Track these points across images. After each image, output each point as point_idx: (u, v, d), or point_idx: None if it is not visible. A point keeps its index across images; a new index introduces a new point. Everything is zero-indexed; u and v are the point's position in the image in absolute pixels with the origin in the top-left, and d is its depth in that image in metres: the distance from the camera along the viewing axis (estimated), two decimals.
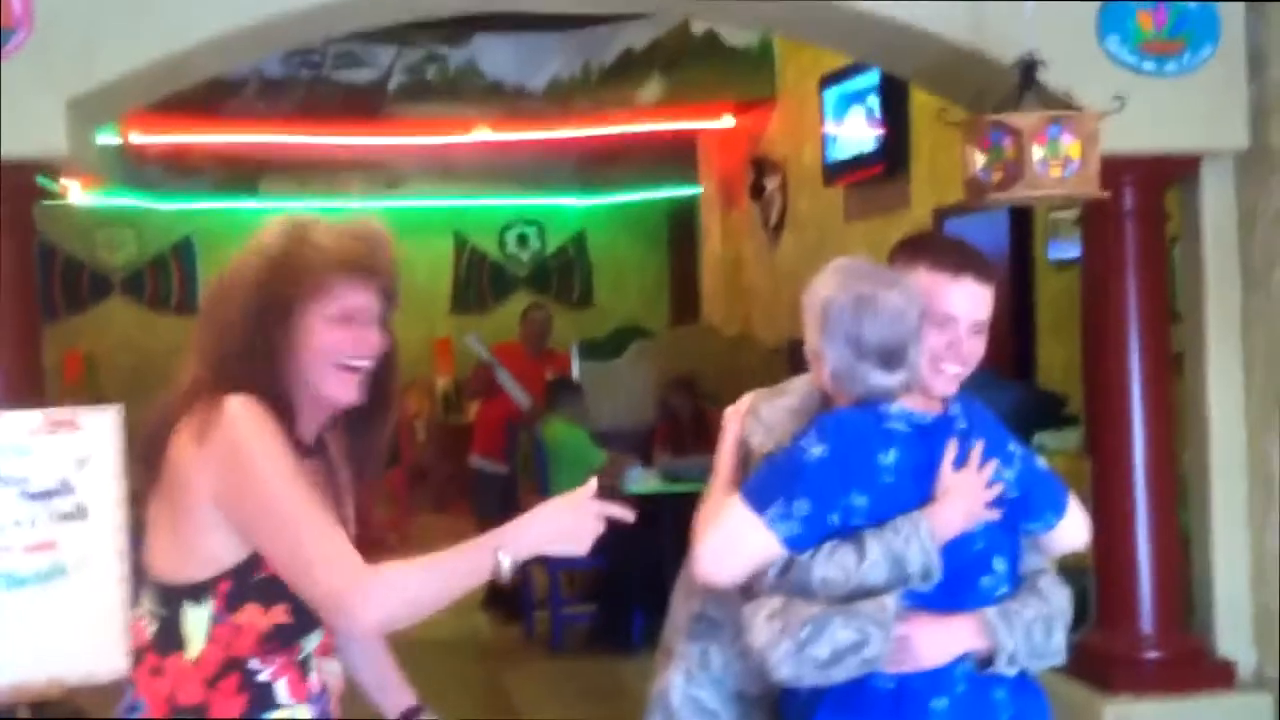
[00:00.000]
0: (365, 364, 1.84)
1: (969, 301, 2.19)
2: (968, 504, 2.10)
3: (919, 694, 2.10)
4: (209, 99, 7.95)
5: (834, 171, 6.83)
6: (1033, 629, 2.15)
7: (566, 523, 1.77)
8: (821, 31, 4.10)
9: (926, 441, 2.11)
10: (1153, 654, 3.69)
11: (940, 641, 2.11)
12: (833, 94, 6.81)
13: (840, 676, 2.07)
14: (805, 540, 2.08)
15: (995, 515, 2.12)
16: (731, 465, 2.24)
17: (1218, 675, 3.70)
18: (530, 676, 5.94)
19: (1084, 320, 3.93)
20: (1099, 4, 3.58)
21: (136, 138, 8.41)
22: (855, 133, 6.59)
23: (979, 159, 3.28)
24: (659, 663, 2.50)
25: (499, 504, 6.73)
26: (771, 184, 7.75)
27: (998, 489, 2.12)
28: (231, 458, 1.73)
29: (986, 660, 2.13)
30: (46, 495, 2.86)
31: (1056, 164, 3.20)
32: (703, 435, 6.11)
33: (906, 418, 2.11)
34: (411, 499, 9.29)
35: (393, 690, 2.08)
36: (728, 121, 8.27)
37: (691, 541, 2.20)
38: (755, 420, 2.29)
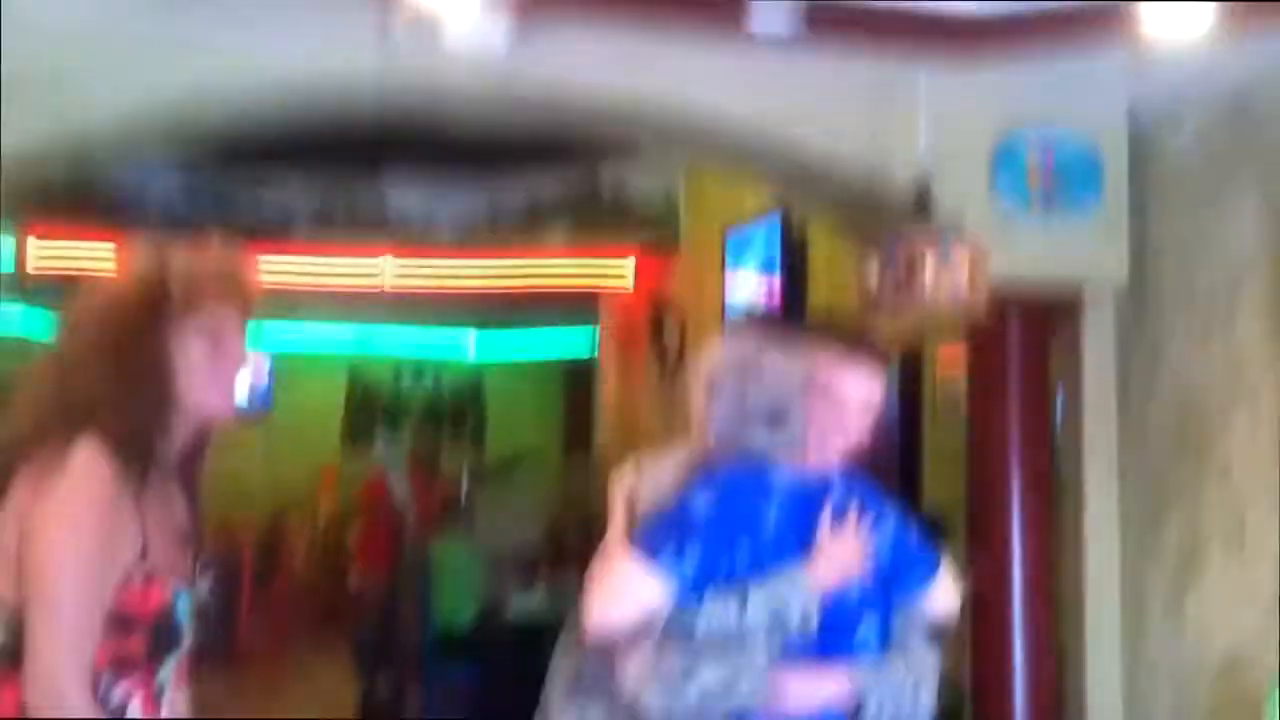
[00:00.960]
0: (233, 376, 1.93)
1: (859, 384, 2.30)
2: (843, 561, 2.18)
3: None
4: (111, 221, 7.90)
5: (731, 316, 7.04)
6: (901, 688, 2.22)
7: None
8: (731, 157, 4.34)
9: (807, 500, 2.19)
10: None
11: (809, 690, 2.16)
12: (734, 244, 7.09)
13: (712, 718, 2.10)
14: (694, 587, 2.13)
15: (866, 573, 2.19)
16: (622, 525, 2.27)
17: None
18: None
19: (968, 443, 4.11)
20: (991, 143, 3.87)
21: (36, 254, 8.24)
22: (753, 280, 6.85)
23: (874, 275, 3.48)
24: None
25: (380, 623, 6.63)
26: (670, 329, 7.95)
27: (870, 549, 2.20)
28: (49, 514, 1.77)
29: (854, 715, 2.18)
30: None
31: (947, 283, 3.40)
32: (590, 559, 6.12)
33: (785, 473, 2.19)
34: (290, 622, 9.03)
35: None
36: (629, 268, 8.51)
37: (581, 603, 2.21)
38: (642, 478, 2.36)
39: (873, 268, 3.58)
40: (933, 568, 2.35)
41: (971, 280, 3.54)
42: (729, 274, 7.06)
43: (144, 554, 1.81)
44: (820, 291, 6.34)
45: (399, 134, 4.62)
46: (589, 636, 2.20)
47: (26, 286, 8.83)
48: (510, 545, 6.92)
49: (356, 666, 6.84)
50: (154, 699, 1.85)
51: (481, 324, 10.48)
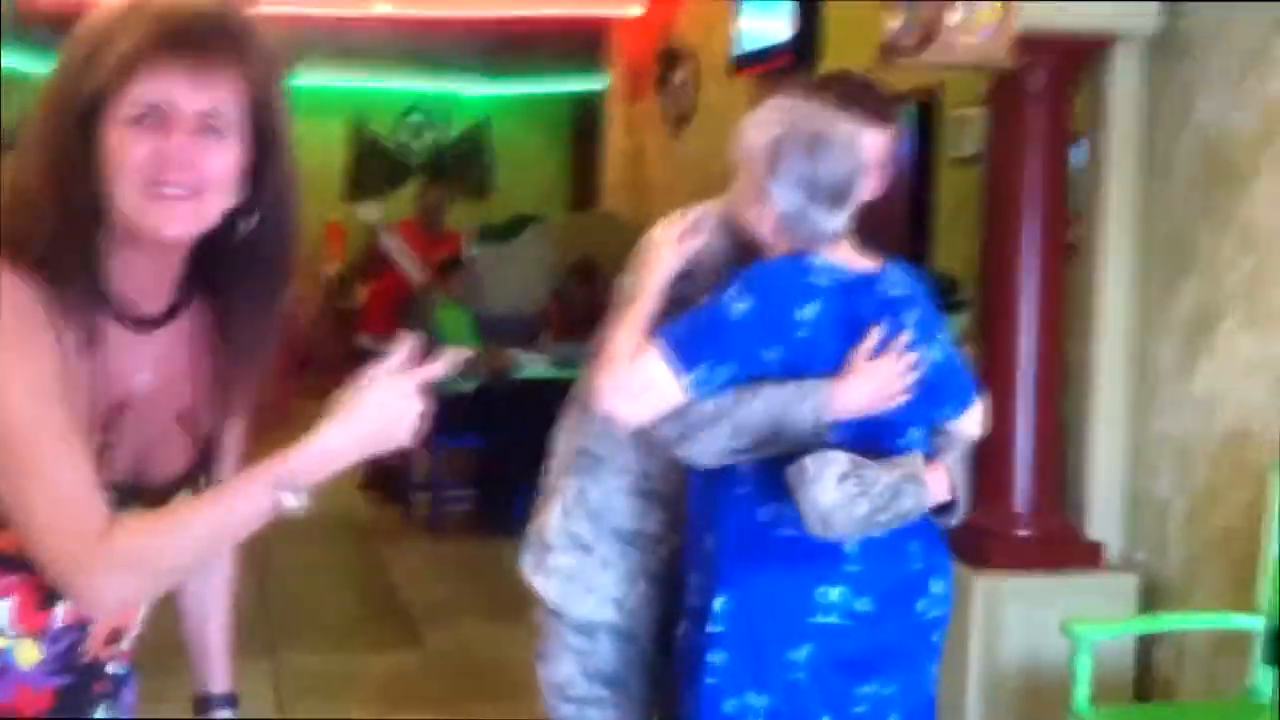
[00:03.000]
0: (176, 189, 1.33)
1: (870, 143, 2.18)
2: (878, 389, 2.06)
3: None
4: None
5: (742, 63, 6.73)
6: (963, 482, 2.19)
7: (365, 426, 1.36)
8: None
9: (850, 297, 2.06)
10: (1025, 532, 3.73)
11: (931, 492, 2.10)
12: None
13: (876, 533, 2.05)
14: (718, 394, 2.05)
15: (902, 401, 2.09)
16: (655, 300, 2.15)
17: (1086, 555, 3.75)
18: (409, 556, 5.88)
19: (984, 201, 3.92)
20: None
21: None
22: (766, 24, 6.49)
23: (896, 20, 3.22)
24: (540, 503, 2.45)
25: None
26: (679, 75, 7.63)
27: (912, 378, 2.08)
28: None
29: (940, 511, 2.13)
30: None
31: (971, 29, 3.15)
32: (596, 321, 6.04)
33: (831, 272, 2.05)
34: (297, 383, 9.09)
35: (210, 660, 1.69)
36: (637, 9, 8.10)
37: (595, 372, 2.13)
38: (675, 242, 2.23)
39: (892, 13, 3.32)
40: (971, 393, 2.26)
41: (997, 28, 3.28)
42: (739, 12, 6.71)
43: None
44: (835, 32, 6.01)
45: None
46: (599, 416, 2.13)
47: (25, 23, 8.54)
48: (515, 306, 6.84)
49: None
50: (40, 604, 1.40)
51: (486, 70, 10.11)
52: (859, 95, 2.26)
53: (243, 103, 1.36)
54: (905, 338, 2.07)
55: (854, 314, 2.05)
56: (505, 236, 7.63)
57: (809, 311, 2.02)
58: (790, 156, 2.04)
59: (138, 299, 1.41)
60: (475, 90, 10.42)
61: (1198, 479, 3.58)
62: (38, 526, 1.31)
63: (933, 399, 2.16)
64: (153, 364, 1.43)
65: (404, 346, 1.38)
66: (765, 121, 2.09)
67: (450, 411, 6.22)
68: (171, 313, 1.44)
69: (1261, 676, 3.11)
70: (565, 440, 2.42)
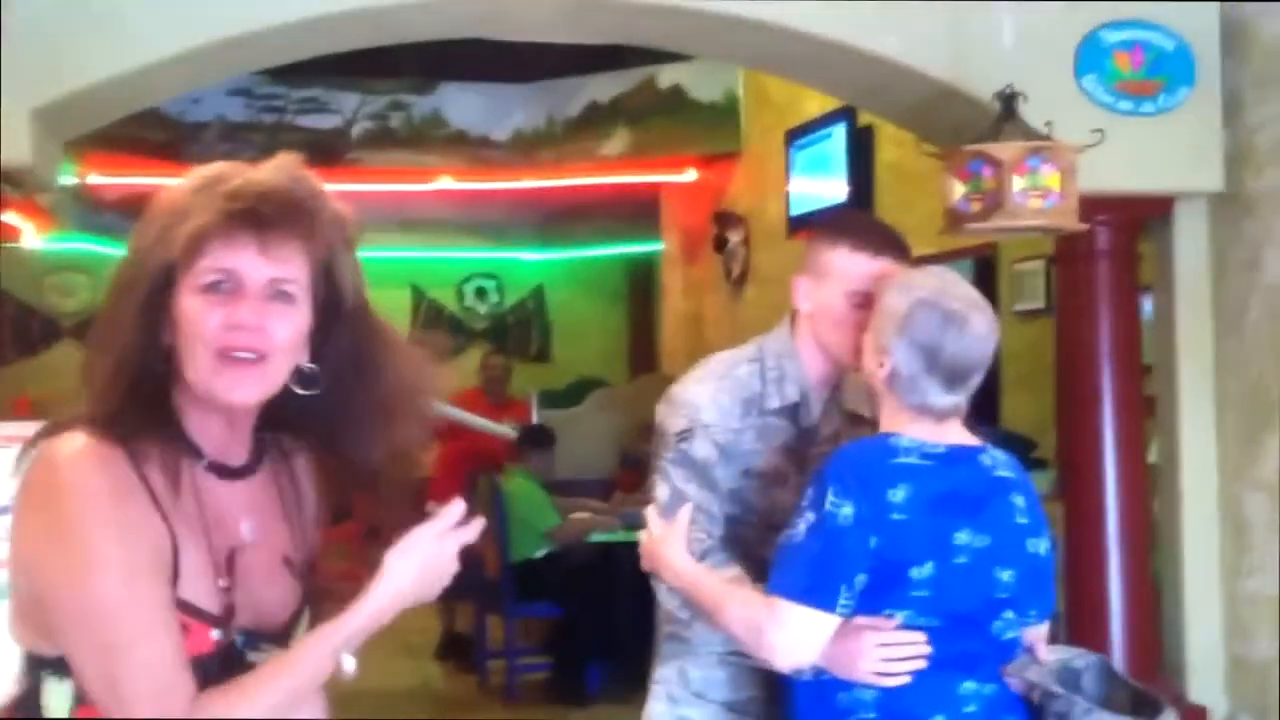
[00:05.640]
0: (245, 354, 1.40)
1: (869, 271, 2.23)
2: (840, 660, 2.02)
3: (909, 713, 2.02)
4: (170, 143, 7.88)
5: (797, 225, 6.85)
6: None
7: (407, 582, 1.49)
8: (802, 67, 4.11)
9: (947, 471, 2.02)
10: None
11: None
12: (798, 149, 6.85)
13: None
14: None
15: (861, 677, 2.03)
16: (707, 574, 2.17)
17: None
18: None
19: (1057, 361, 3.92)
20: (1076, 42, 3.61)
21: (95, 180, 8.27)
22: (819, 187, 6.62)
23: (959, 189, 3.28)
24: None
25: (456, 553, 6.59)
26: (735, 238, 7.75)
27: (868, 670, 2.01)
28: (43, 526, 1.36)
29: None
30: None
31: (1036, 195, 3.21)
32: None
33: (918, 449, 2.02)
34: (365, 552, 9.09)
35: None
36: (691, 175, 8.29)
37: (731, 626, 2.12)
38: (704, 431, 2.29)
39: (955, 183, 3.38)
40: (1052, 606, 2.20)
41: (1062, 193, 3.33)
42: (792, 179, 6.85)
43: (173, 580, 1.39)
44: (887, 196, 6.11)
45: (456, 46, 4.50)
46: (774, 665, 2.09)
47: (95, 218, 8.85)
48: (582, 472, 6.85)
49: (436, 601, 6.84)
50: None
51: (541, 236, 10.33)
52: (874, 236, 2.28)
53: (309, 270, 1.43)
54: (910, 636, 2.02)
55: (952, 489, 2.00)
56: (568, 403, 7.69)
57: (900, 494, 1.98)
58: (922, 322, 2.04)
59: (220, 452, 1.48)
60: (531, 256, 10.64)
61: None
62: (124, 705, 1.33)
63: (1036, 591, 2.11)
64: (250, 512, 1.50)
65: (451, 510, 1.48)
66: (910, 285, 2.10)
67: (524, 579, 6.22)
68: (256, 461, 1.52)
69: None
70: (658, 634, 2.42)
